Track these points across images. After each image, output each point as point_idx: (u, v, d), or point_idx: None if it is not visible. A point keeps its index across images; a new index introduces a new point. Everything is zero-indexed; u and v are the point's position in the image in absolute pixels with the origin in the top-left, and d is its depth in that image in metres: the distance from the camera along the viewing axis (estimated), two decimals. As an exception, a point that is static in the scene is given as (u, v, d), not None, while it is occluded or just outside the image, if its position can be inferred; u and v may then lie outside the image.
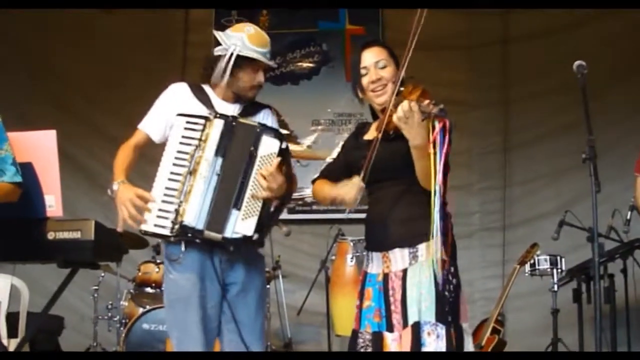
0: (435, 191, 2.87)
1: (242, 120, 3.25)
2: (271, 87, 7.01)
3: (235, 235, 3.15)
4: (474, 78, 7.09)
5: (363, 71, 3.17)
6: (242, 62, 3.24)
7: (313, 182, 3.39)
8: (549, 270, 5.57)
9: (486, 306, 6.30)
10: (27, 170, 3.38)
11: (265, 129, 3.21)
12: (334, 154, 3.38)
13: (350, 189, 3.01)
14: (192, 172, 3.15)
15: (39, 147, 3.44)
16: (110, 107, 7.13)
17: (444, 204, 2.94)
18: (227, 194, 3.15)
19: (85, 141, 7.13)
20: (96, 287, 6.00)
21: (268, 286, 5.93)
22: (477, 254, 6.90)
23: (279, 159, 3.17)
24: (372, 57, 3.17)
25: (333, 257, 5.79)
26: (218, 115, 3.21)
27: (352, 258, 5.56)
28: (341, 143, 3.42)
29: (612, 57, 6.58)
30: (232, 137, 3.18)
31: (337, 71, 7.25)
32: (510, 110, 7.04)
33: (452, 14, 6.77)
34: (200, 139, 3.17)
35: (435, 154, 2.84)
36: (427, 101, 2.81)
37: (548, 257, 5.56)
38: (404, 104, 2.81)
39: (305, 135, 7.17)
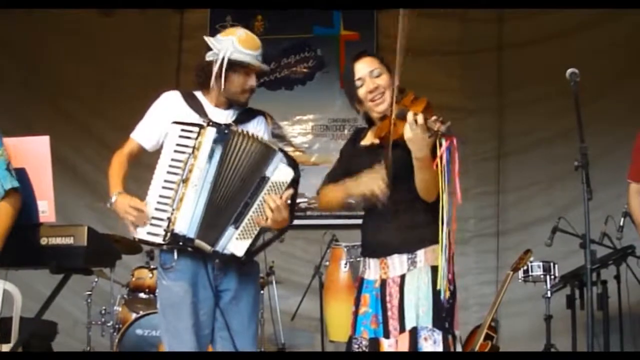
0: (442, 207, 2.91)
1: (259, 137, 3.20)
2: (265, 92, 7.02)
3: (225, 252, 3.13)
4: (469, 84, 7.10)
5: (358, 82, 3.16)
6: (233, 66, 3.22)
7: (318, 192, 3.38)
8: (542, 276, 5.57)
9: (480, 312, 6.31)
10: (20, 175, 3.38)
11: (284, 154, 3.17)
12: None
13: (376, 179, 2.97)
14: (184, 181, 3.13)
15: (33, 152, 3.44)
16: (105, 112, 7.14)
17: None
18: (226, 208, 3.13)
19: (80, 146, 7.13)
20: (90, 293, 6.00)
21: (262, 292, 5.94)
22: (472, 259, 6.90)
23: (291, 191, 3.14)
24: (365, 67, 3.16)
25: (327, 263, 5.78)
26: (211, 123, 3.18)
27: (346, 264, 5.54)
28: (340, 149, 3.43)
29: (606, 64, 6.58)
30: (230, 147, 3.14)
31: (332, 77, 7.25)
32: (504, 116, 7.04)
33: (447, 20, 6.79)
34: (193, 147, 3.15)
35: (442, 171, 2.86)
36: (434, 117, 2.80)
37: (541, 264, 5.56)
38: (410, 115, 2.81)
39: (299, 140, 7.17)
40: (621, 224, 5.06)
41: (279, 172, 3.13)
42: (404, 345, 2.98)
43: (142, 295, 5.82)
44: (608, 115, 6.53)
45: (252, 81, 3.29)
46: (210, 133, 3.15)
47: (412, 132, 2.81)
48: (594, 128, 6.08)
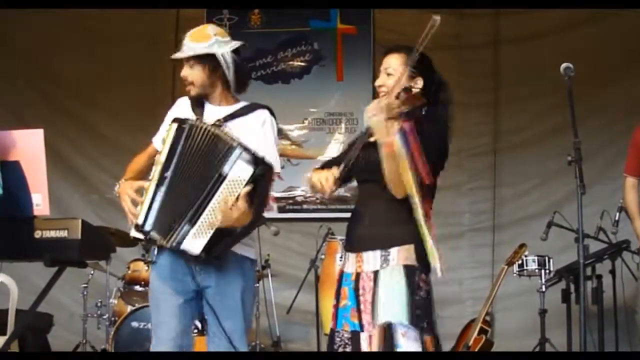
0: (413, 197, 2.96)
1: (219, 132, 3.12)
2: (262, 85, 7.02)
3: (181, 248, 3.07)
4: (465, 79, 7.07)
5: (379, 72, 3.24)
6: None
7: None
8: (537, 270, 5.59)
9: (475, 306, 6.31)
10: (14, 168, 3.38)
11: (243, 150, 3.04)
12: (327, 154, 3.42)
13: (326, 180, 3.05)
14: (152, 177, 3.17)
15: (26, 145, 3.44)
16: (99, 104, 7.10)
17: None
18: (181, 203, 3.08)
19: (74, 138, 7.10)
20: (85, 285, 6.01)
21: (257, 285, 5.94)
22: (466, 254, 6.90)
23: (247, 188, 3.01)
24: (387, 63, 3.22)
25: (322, 256, 5.80)
26: (176, 119, 3.19)
27: (341, 257, 5.52)
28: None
29: (602, 59, 6.59)
30: (188, 142, 3.11)
31: (329, 70, 7.23)
32: (500, 111, 7.03)
33: (443, 15, 6.71)
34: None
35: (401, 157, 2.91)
36: (397, 101, 2.85)
37: (536, 258, 5.58)
38: (374, 101, 2.85)
39: (295, 134, 7.16)
40: (617, 218, 5.07)
41: (237, 169, 3.02)
42: (379, 341, 3.01)
43: (137, 287, 5.82)
44: (605, 111, 6.54)
45: (183, 72, 3.31)
46: (173, 129, 3.16)
47: (374, 117, 2.87)
48: (591, 123, 6.12)
